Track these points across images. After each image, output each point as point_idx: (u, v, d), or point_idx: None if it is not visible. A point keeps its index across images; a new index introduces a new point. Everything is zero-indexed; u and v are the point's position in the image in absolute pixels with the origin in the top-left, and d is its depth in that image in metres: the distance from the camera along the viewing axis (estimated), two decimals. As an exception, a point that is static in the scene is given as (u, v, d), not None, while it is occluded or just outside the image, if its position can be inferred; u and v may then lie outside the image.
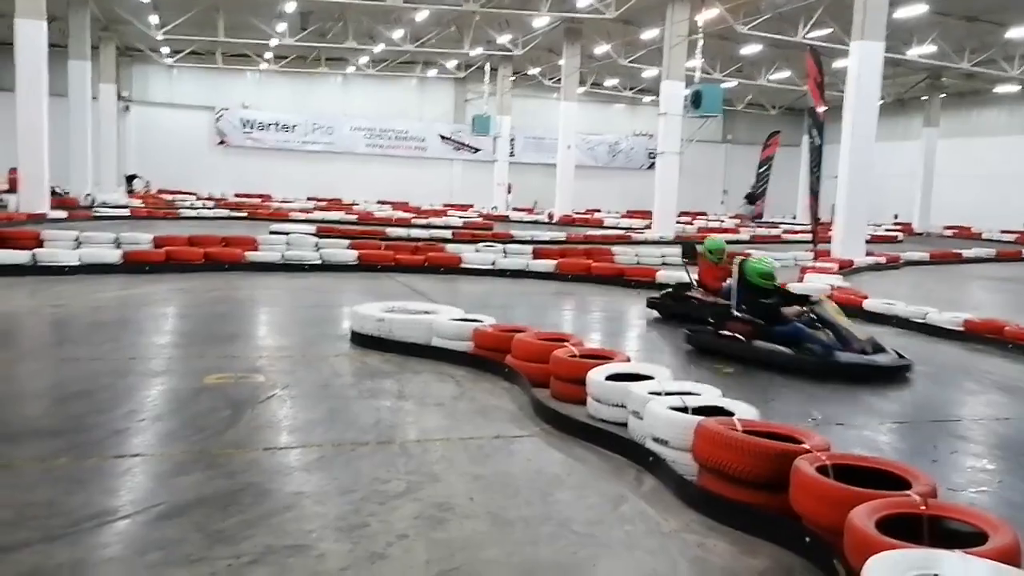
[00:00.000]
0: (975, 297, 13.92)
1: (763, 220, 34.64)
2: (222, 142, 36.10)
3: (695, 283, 9.53)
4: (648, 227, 24.08)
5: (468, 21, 27.48)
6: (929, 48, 25.72)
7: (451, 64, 36.46)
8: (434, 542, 3.28)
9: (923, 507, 2.92)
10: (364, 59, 34.81)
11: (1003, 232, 28.45)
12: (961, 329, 8.70)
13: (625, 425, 4.60)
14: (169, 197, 29.60)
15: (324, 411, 5.15)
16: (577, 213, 29.77)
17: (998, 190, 32.03)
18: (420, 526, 3.42)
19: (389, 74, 36.28)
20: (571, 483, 4.06)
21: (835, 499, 3.05)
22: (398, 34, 29.70)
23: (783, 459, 3.44)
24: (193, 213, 23.78)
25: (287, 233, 15.53)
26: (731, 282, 7.83)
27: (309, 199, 31.89)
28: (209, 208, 25.82)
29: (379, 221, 23.41)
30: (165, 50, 33.44)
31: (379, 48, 30.97)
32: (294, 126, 36.78)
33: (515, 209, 32.77)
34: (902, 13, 21.23)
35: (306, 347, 7.17)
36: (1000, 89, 32.06)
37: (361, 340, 7.04)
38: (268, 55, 34.30)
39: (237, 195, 32.04)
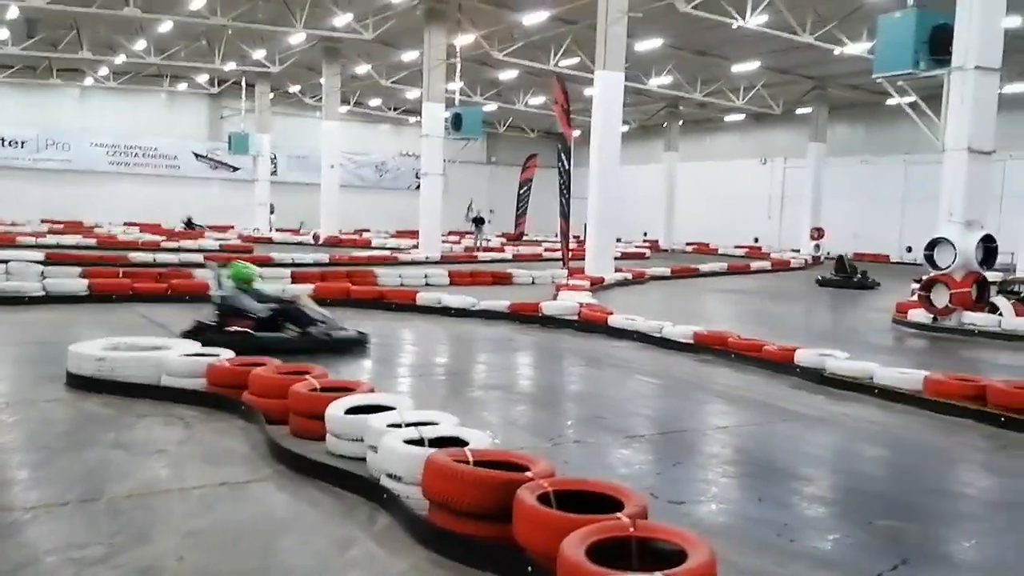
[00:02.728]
0: (709, 309, 15.08)
1: (526, 239, 35.85)
2: (-65, 158, 32.11)
3: None
4: (415, 247, 24.13)
5: (219, 35, 26.25)
6: (667, 79, 27.93)
7: (203, 79, 34.74)
8: (129, 615, 2.95)
9: (631, 529, 2.99)
10: (104, 71, 32.34)
11: (736, 247, 31.35)
12: (691, 342, 9.35)
13: (364, 460, 4.43)
14: None
15: (23, 467, 4.57)
16: (345, 233, 29.29)
17: (730, 208, 35.51)
18: (116, 597, 3.07)
19: (134, 88, 33.98)
20: (299, 528, 3.84)
21: (552, 527, 3.06)
22: (140, 45, 27.80)
23: (507, 489, 3.42)
24: None
25: (5, 261, 13.89)
26: None
27: (43, 221, 29.05)
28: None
29: (123, 245, 21.69)
30: None
31: (119, 60, 28.90)
32: (23, 142, 33.36)
33: (279, 230, 31.74)
34: (641, 46, 22.80)
35: (13, 392, 6.39)
36: (729, 118, 35.37)
37: (79, 382, 6.34)
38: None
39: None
